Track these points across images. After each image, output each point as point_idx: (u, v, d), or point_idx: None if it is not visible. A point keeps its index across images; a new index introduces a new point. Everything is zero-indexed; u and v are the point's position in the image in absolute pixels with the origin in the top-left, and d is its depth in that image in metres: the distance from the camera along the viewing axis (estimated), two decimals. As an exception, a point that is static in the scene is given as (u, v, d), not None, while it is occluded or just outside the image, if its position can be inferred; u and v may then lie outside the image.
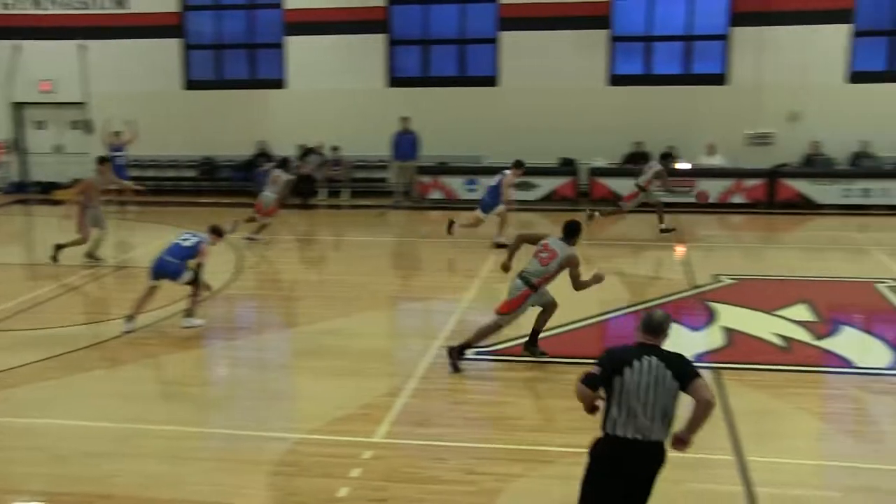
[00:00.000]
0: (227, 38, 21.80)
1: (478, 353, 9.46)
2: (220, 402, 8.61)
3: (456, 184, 19.54)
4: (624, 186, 18.44)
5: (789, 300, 11.46)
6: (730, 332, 10.23)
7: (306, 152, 19.93)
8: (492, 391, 8.80)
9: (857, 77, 19.08)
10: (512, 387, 8.75)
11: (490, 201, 14.84)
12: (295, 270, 14.46)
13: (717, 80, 19.64)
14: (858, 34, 19.06)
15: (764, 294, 12.10)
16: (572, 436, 7.37)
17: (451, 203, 19.26)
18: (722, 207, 18.22)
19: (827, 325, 10.48)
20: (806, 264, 13.78)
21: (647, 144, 19.31)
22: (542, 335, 9.35)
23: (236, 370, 9.51)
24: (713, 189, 18.25)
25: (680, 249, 14.31)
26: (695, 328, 10.46)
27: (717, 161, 18.93)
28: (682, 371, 5.04)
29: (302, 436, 7.47)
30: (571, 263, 8.77)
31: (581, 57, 19.80)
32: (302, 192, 19.19)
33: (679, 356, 5.13)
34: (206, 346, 10.14)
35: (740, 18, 19.28)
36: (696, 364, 5.21)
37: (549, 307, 9.13)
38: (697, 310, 11.09)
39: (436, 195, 19.61)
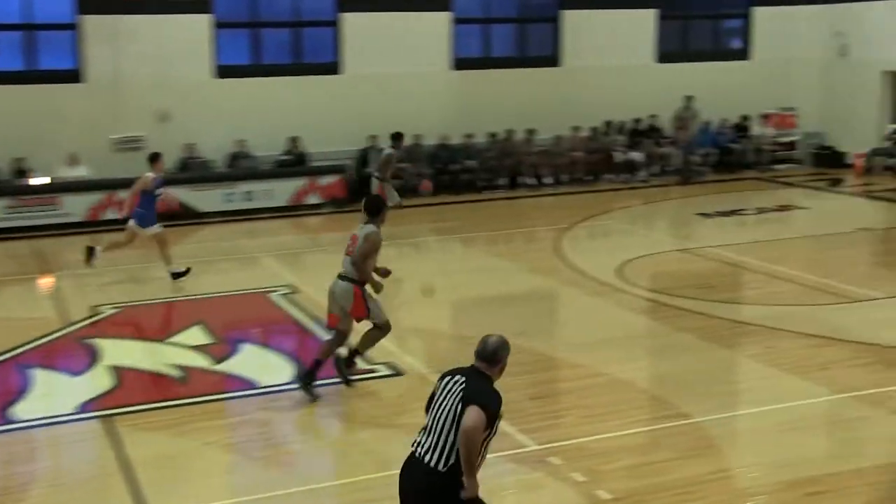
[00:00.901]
0: None
1: None
2: None
3: None
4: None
5: (182, 324, 11.51)
6: (118, 371, 9.88)
7: None
8: None
9: (224, 71, 19.84)
10: None
11: (147, 214, 13.39)
12: None
13: (71, 77, 18.91)
14: (220, 25, 19.82)
15: (153, 321, 12.02)
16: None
17: None
18: (91, 225, 17.36)
19: (225, 345, 10.63)
20: (196, 280, 13.75)
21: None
22: None
23: None
24: (80, 206, 17.49)
25: (46, 281, 13.36)
26: (76, 373, 9.92)
27: (81, 172, 18.21)
28: (470, 399, 5.03)
29: None
30: (369, 240, 8.88)
31: None
32: None
33: (483, 392, 5.12)
34: None
35: (89, 5, 18.78)
36: None
37: (382, 327, 9.15)
38: (76, 351, 10.51)
39: None
